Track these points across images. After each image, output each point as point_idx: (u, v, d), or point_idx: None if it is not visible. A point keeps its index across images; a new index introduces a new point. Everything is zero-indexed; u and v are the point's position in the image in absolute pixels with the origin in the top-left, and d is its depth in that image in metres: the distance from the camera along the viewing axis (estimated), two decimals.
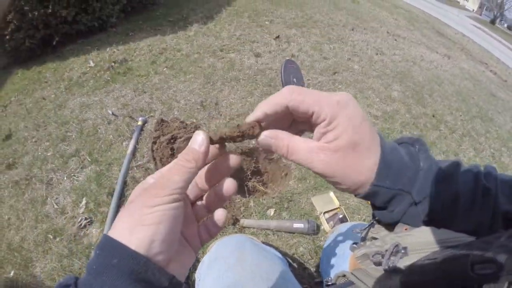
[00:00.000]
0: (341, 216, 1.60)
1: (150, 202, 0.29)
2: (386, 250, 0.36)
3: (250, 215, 1.63)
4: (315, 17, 4.25)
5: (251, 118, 0.35)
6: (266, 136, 0.35)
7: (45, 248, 1.51)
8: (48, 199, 1.71)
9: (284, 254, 1.43)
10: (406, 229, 0.36)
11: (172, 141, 1.73)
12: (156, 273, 0.28)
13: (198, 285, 0.77)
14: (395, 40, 4.41)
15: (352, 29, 4.16)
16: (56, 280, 1.39)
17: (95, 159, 1.88)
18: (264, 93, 2.47)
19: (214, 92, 2.43)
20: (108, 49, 3.04)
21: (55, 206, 1.67)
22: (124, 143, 1.97)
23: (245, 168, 1.70)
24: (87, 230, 1.56)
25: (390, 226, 0.39)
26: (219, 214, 0.37)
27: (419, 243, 0.33)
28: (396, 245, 0.35)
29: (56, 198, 1.71)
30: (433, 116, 2.78)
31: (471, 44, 8.09)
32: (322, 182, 1.81)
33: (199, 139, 0.33)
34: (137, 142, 1.93)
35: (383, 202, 0.36)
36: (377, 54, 3.64)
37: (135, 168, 1.80)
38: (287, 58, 2.63)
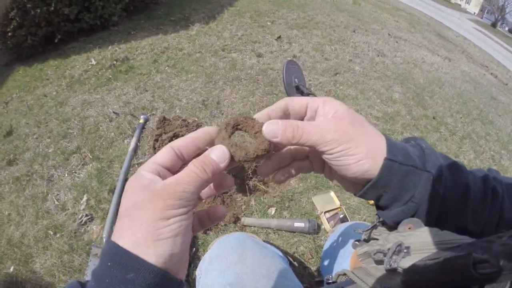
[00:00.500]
0: (341, 216, 1.61)
1: (165, 214, 0.28)
2: (389, 249, 0.36)
3: (251, 214, 1.63)
4: (317, 18, 4.25)
5: (256, 115, 0.36)
6: (270, 123, 0.34)
7: (45, 244, 1.51)
8: (49, 195, 1.72)
9: (285, 253, 1.43)
10: (409, 228, 0.36)
11: (174, 139, 1.74)
12: (172, 284, 0.28)
13: (199, 282, 0.77)
14: (396, 42, 4.41)
15: (354, 31, 4.16)
16: (56, 276, 1.39)
17: (97, 156, 1.88)
18: (265, 93, 2.48)
19: (216, 91, 2.43)
20: (110, 47, 3.04)
21: (56, 203, 1.67)
22: (125, 140, 1.97)
23: (246, 167, 1.70)
24: (87, 226, 1.56)
25: (394, 228, 0.39)
26: (220, 211, 0.38)
27: (422, 243, 0.33)
28: (399, 244, 0.35)
29: (57, 195, 1.72)
30: (434, 118, 2.78)
31: (472, 47, 8.10)
32: (323, 181, 1.82)
33: (221, 153, 0.32)
34: (138, 140, 1.93)
35: (398, 184, 0.35)
36: (378, 55, 3.64)
37: (136, 166, 1.80)
38: (289, 58, 2.63)
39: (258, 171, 0.41)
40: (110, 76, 2.61)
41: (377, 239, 0.42)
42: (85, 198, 1.67)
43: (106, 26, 3.46)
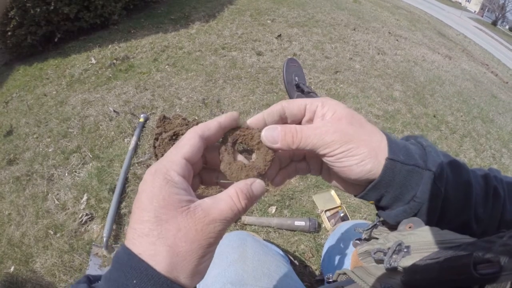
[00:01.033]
0: (342, 214, 1.61)
1: (206, 251, 0.27)
2: (389, 248, 0.36)
3: (252, 213, 1.63)
4: (317, 16, 4.24)
5: (252, 120, 0.36)
6: (269, 129, 0.34)
7: (45, 244, 1.51)
8: (49, 195, 1.72)
9: (285, 252, 1.43)
10: (410, 228, 0.36)
11: (174, 137, 1.73)
12: None
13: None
14: (397, 40, 4.40)
15: (354, 29, 4.15)
16: (57, 276, 1.39)
17: (97, 156, 1.88)
18: (265, 91, 2.47)
19: (216, 90, 2.43)
20: (110, 46, 3.04)
21: (56, 202, 1.67)
22: (125, 139, 1.97)
23: None
24: (88, 226, 1.56)
25: (395, 227, 0.39)
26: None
27: (422, 242, 0.33)
28: (399, 244, 0.34)
29: (57, 194, 1.72)
30: (434, 116, 2.78)
31: (472, 45, 8.09)
32: (323, 180, 1.81)
33: (261, 188, 0.32)
34: (138, 139, 1.93)
35: (400, 184, 0.35)
36: (378, 54, 3.64)
37: (136, 165, 1.80)
38: (289, 57, 2.63)
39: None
40: (110, 75, 2.61)
41: (377, 239, 0.42)
42: (85, 197, 1.67)
43: (106, 25, 3.46)
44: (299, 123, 0.37)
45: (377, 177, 0.34)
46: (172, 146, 0.31)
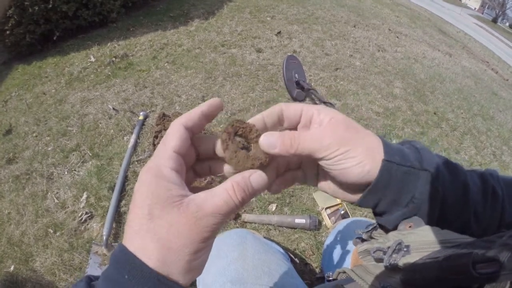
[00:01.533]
0: (342, 211, 1.60)
1: (200, 246, 0.27)
2: (388, 247, 0.36)
3: (252, 210, 1.63)
4: (317, 13, 4.23)
5: (251, 121, 0.36)
6: (268, 135, 0.34)
7: (45, 243, 1.51)
8: (49, 193, 1.71)
9: (286, 250, 1.43)
10: (410, 227, 0.35)
11: None
12: None
13: (199, 280, 0.77)
14: (397, 37, 4.38)
15: (354, 26, 4.14)
16: (57, 275, 1.39)
17: (96, 154, 1.88)
18: (265, 88, 2.47)
19: (216, 87, 2.42)
20: (109, 44, 3.03)
21: (56, 201, 1.67)
22: (125, 137, 1.97)
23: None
24: (87, 224, 1.56)
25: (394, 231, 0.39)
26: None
27: (422, 242, 0.33)
28: (399, 243, 0.34)
29: (57, 193, 1.71)
30: (435, 113, 2.77)
31: (472, 42, 8.07)
32: None
33: (261, 180, 0.31)
34: (138, 137, 1.93)
35: (397, 185, 0.35)
36: (379, 51, 3.62)
37: (136, 163, 1.80)
38: (289, 54, 2.62)
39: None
40: (109, 73, 2.60)
41: (377, 239, 0.42)
42: (84, 196, 1.66)
43: (104, 23, 3.44)
44: (295, 128, 0.37)
45: (374, 179, 0.34)
46: None
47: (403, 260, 0.33)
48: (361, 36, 3.85)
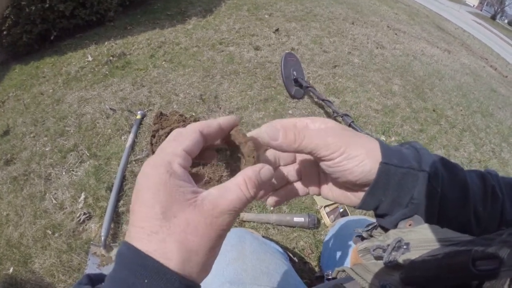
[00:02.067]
0: (341, 210, 1.60)
1: (217, 243, 0.27)
2: (388, 245, 0.36)
3: (250, 209, 1.62)
4: (315, 10, 4.21)
5: (251, 133, 0.36)
6: (269, 125, 0.34)
7: (44, 244, 1.50)
8: (47, 194, 1.71)
9: (285, 248, 1.43)
10: (410, 225, 0.36)
11: None
12: None
13: None
14: (396, 34, 4.37)
15: (352, 23, 4.13)
16: (56, 276, 1.39)
17: (94, 154, 1.87)
18: (263, 86, 2.46)
19: (214, 86, 2.41)
20: (106, 43, 3.02)
21: (54, 202, 1.66)
22: (122, 137, 1.96)
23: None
24: (86, 225, 1.55)
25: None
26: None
27: (422, 240, 0.33)
28: (399, 241, 0.34)
29: (55, 193, 1.71)
30: (434, 110, 2.77)
31: (471, 39, 8.06)
32: None
33: (269, 173, 0.31)
34: (136, 136, 1.92)
35: (396, 187, 0.35)
36: (377, 48, 3.61)
37: (134, 162, 1.79)
38: (287, 51, 2.61)
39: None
40: (107, 72, 2.59)
41: (377, 237, 0.42)
42: (82, 196, 1.66)
43: (102, 21, 3.43)
44: None
45: (372, 181, 0.35)
46: None
47: (402, 258, 0.33)
48: (360, 33, 3.84)
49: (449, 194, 0.36)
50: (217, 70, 2.60)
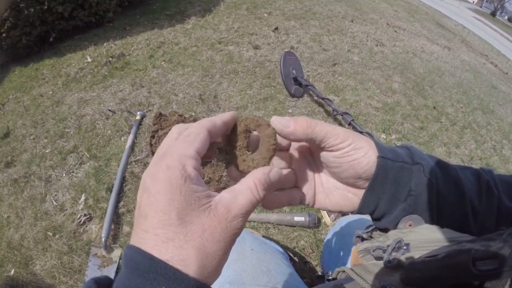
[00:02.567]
0: None
1: (230, 246, 0.27)
2: (388, 245, 0.36)
3: None
4: (314, 8, 4.20)
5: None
6: (278, 118, 0.34)
7: (44, 246, 1.50)
8: (47, 196, 1.71)
9: (285, 248, 1.42)
10: (410, 225, 0.36)
11: None
12: None
13: None
14: (395, 31, 4.36)
15: (352, 21, 4.12)
16: (57, 278, 1.39)
17: (94, 155, 1.87)
18: (263, 85, 2.45)
19: (213, 85, 2.41)
20: (105, 44, 3.02)
21: (54, 203, 1.66)
22: (122, 138, 1.96)
23: None
24: (86, 226, 1.55)
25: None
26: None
27: (422, 240, 0.33)
28: (399, 241, 0.34)
29: (55, 195, 1.71)
30: (434, 108, 2.76)
31: (471, 36, 8.03)
32: None
33: (277, 175, 0.32)
34: (135, 137, 1.92)
35: (394, 180, 0.36)
36: (377, 45, 3.60)
37: (133, 163, 1.79)
38: (286, 50, 2.60)
39: None
40: (106, 73, 2.59)
41: (377, 238, 0.42)
42: (83, 197, 1.65)
43: (101, 22, 3.43)
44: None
45: (372, 175, 0.35)
46: None
47: (402, 258, 0.33)
48: (359, 31, 3.84)
49: (444, 190, 0.36)
50: (216, 69, 2.59)
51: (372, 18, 4.56)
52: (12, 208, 1.69)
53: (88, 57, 2.83)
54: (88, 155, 1.87)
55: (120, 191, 1.65)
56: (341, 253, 0.86)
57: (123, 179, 1.70)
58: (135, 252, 0.25)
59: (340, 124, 2.08)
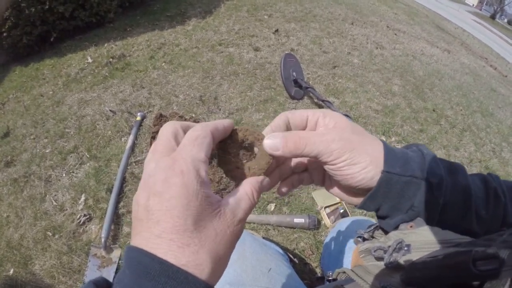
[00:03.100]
0: (342, 210, 1.60)
1: (233, 246, 0.29)
2: (389, 246, 0.36)
3: None
4: (314, 11, 4.21)
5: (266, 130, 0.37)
6: (270, 137, 0.34)
7: (44, 246, 1.50)
8: (47, 196, 1.70)
9: (285, 250, 1.42)
10: (411, 227, 0.36)
11: None
12: None
13: None
14: (395, 34, 4.37)
15: (352, 23, 4.13)
16: (56, 278, 1.38)
17: (94, 155, 1.87)
18: (263, 87, 2.46)
19: (213, 87, 2.41)
20: (106, 44, 3.02)
21: (54, 203, 1.66)
22: (122, 138, 1.96)
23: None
24: (86, 226, 1.55)
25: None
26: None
27: (423, 241, 0.33)
28: (400, 242, 0.35)
29: (55, 195, 1.71)
30: (434, 110, 2.77)
31: (471, 39, 8.05)
32: None
33: (269, 185, 0.35)
34: (136, 138, 1.92)
35: (397, 194, 0.35)
36: (377, 48, 3.61)
37: (134, 164, 1.79)
38: (287, 52, 2.61)
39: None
40: (107, 74, 2.59)
41: (378, 238, 0.42)
42: (83, 198, 1.65)
43: (101, 23, 3.43)
44: None
45: (373, 188, 0.35)
46: None
47: (403, 259, 0.33)
48: (359, 34, 3.84)
49: (451, 201, 0.36)
50: (216, 71, 2.60)
51: (372, 20, 4.57)
52: (12, 207, 1.69)
53: (88, 58, 2.83)
54: (88, 156, 1.87)
55: (120, 192, 1.65)
56: (341, 255, 0.86)
57: (123, 180, 1.70)
58: (143, 255, 0.24)
59: None
